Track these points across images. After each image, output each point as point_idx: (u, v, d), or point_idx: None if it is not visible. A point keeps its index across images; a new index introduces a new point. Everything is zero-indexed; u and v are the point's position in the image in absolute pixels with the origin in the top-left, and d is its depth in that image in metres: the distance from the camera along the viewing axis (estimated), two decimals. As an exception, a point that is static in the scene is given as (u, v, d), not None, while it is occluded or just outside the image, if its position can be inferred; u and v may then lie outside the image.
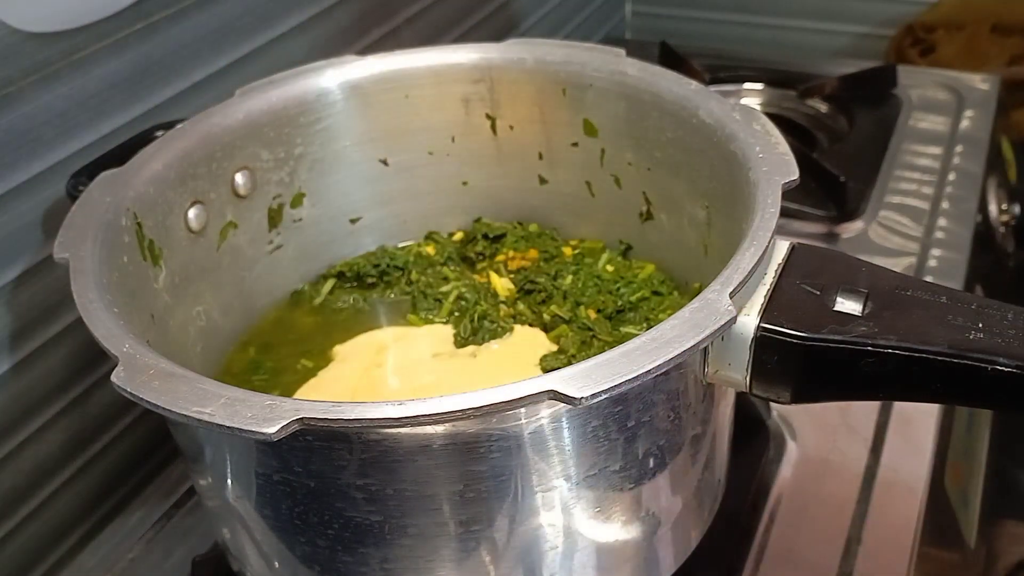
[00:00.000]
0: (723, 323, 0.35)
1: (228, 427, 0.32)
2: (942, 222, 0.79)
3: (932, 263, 0.75)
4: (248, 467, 0.40)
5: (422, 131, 0.59)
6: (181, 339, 0.50)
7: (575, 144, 0.58)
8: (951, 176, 0.85)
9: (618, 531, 0.42)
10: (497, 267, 0.61)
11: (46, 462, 0.58)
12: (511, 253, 0.61)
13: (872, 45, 1.17)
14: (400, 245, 0.63)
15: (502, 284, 0.59)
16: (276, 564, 0.43)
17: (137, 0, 0.56)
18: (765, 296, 0.38)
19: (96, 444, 0.61)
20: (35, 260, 0.54)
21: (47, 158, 0.53)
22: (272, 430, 0.31)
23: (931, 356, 0.36)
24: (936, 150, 0.88)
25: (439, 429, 0.35)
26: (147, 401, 0.34)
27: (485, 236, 0.61)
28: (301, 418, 0.32)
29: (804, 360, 0.37)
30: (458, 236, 0.63)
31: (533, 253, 0.61)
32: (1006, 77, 1.01)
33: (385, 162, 0.60)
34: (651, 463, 0.40)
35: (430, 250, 0.62)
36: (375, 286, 0.60)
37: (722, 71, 0.99)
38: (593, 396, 0.32)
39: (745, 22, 1.20)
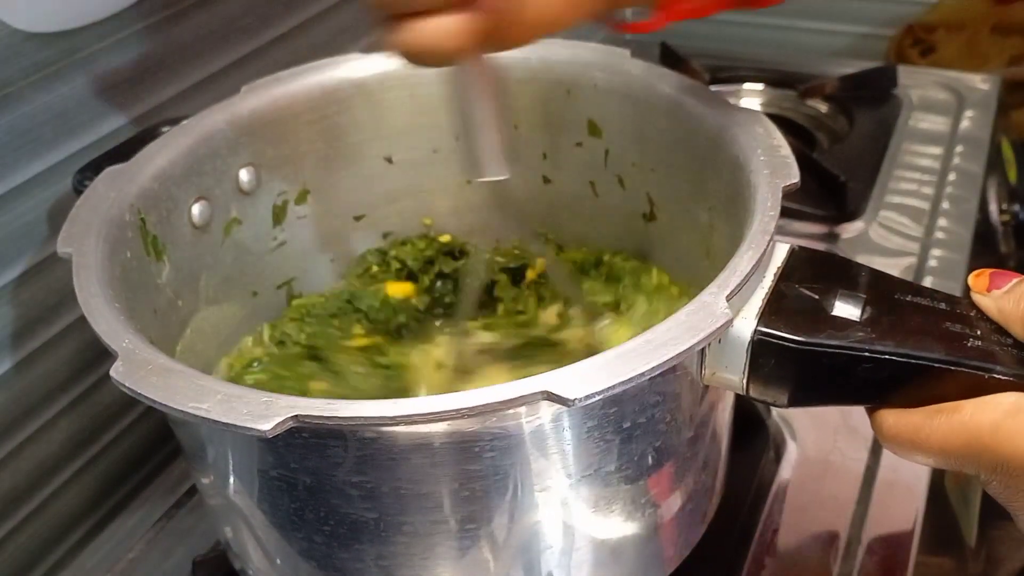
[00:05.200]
0: (719, 326, 0.35)
1: (224, 423, 0.32)
2: (942, 222, 0.79)
3: (932, 263, 0.75)
4: (247, 464, 0.40)
5: (427, 129, 0.59)
6: (183, 335, 0.50)
7: (579, 144, 0.58)
8: (951, 176, 0.85)
9: (614, 531, 0.42)
10: None
11: (47, 461, 0.58)
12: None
13: (872, 45, 1.17)
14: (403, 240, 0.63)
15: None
16: (277, 560, 0.43)
17: (137, 0, 0.56)
18: (763, 299, 0.38)
19: (97, 444, 0.61)
20: (36, 260, 0.54)
21: (47, 158, 0.53)
22: (267, 427, 0.31)
23: (928, 363, 0.36)
24: (936, 150, 0.88)
25: (433, 428, 0.35)
26: (145, 396, 0.34)
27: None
28: (296, 415, 0.32)
29: (801, 364, 0.37)
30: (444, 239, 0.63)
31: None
32: (1006, 77, 1.01)
33: (390, 160, 0.60)
34: (648, 464, 0.40)
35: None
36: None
37: (722, 71, 0.99)
38: (587, 397, 0.32)
39: (745, 22, 1.20)
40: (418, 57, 0.37)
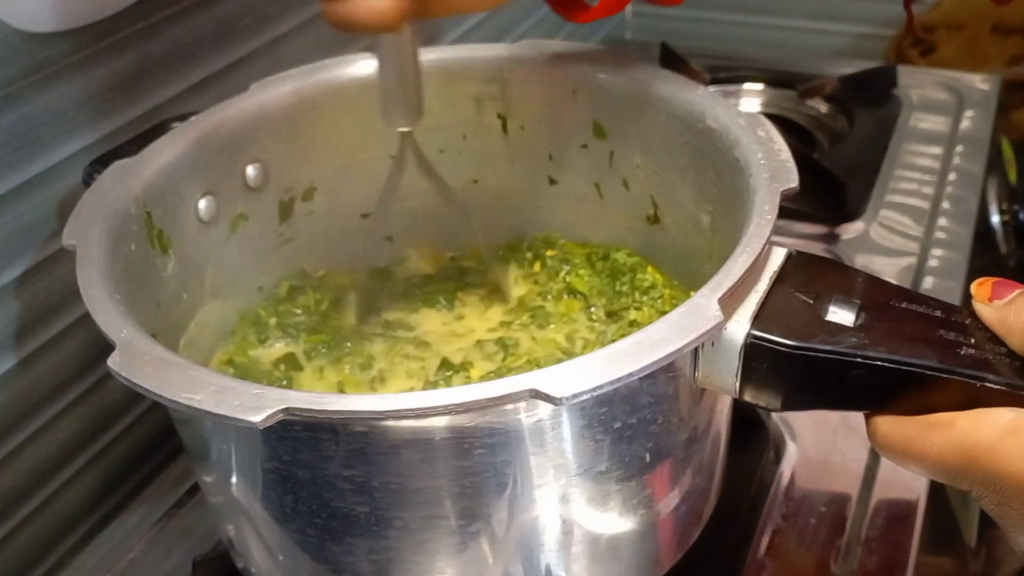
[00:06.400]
0: (709, 328, 0.35)
1: (215, 414, 0.32)
2: (942, 222, 0.79)
3: (932, 263, 0.75)
4: (247, 459, 0.40)
5: (434, 129, 0.59)
6: (187, 328, 0.51)
7: (584, 146, 0.58)
8: (951, 176, 0.85)
9: (606, 531, 0.42)
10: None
11: (47, 461, 0.58)
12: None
13: (872, 45, 1.17)
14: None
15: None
16: (279, 557, 0.43)
17: (137, 0, 0.56)
18: (757, 303, 0.38)
19: (97, 443, 0.61)
20: (37, 259, 0.54)
21: (47, 158, 0.53)
22: (258, 419, 0.31)
23: (920, 370, 0.35)
24: (936, 150, 0.89)
25: (422, 424, 0.35)
26: (139, 386, 0.34)
27: None
28: (287, 408, 0.32)
29: (794, 369, 0.37)
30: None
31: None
32: (1006, 77, 1.01)
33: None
34: (640, 465, 0.40)
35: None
36: None
37: (722, 71, 0.99)
38: (574, 396, 0.32)
39: (745, 22, 1.20)
40: (350, 29, 0.40)
